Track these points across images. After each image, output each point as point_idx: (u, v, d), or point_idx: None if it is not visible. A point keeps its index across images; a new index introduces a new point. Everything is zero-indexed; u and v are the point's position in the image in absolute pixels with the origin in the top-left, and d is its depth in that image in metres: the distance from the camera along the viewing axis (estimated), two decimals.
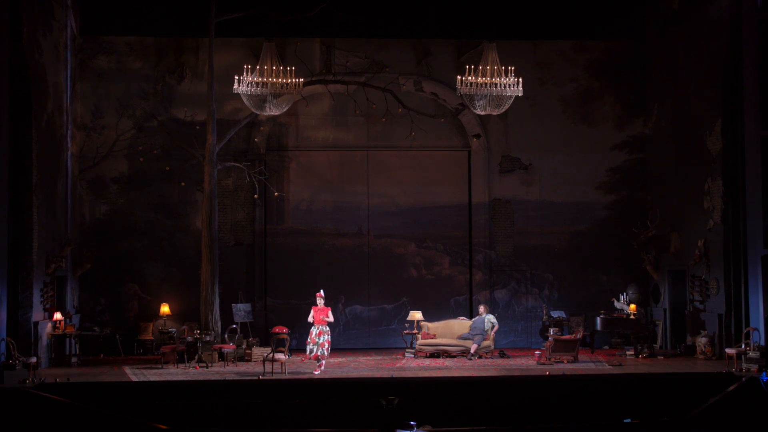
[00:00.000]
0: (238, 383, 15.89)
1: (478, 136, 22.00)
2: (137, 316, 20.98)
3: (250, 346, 19.09)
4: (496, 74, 17.45)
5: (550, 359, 18.14)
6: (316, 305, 17.02)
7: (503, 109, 17.97)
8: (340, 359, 19.01)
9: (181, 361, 18.16)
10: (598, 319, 20.01)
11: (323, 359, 16.83)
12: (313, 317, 16.88)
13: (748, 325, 17.43)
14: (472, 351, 18.95)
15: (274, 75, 17.84)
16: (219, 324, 19.43)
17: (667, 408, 14.37)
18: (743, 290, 17.86)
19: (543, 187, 22.03)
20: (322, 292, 17.26)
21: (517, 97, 17.76)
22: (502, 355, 19.34)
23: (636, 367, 17.40)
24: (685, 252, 19.90)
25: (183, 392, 15.19)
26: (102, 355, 19.59)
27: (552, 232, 22.08)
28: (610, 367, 17.59)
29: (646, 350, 19.12)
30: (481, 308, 19.74)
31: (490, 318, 19.52)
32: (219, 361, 18.36)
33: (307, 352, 16.87)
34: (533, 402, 14.83)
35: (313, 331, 16.80)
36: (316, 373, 16.57)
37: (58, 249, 19.05)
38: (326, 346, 16.78)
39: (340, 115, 21.96)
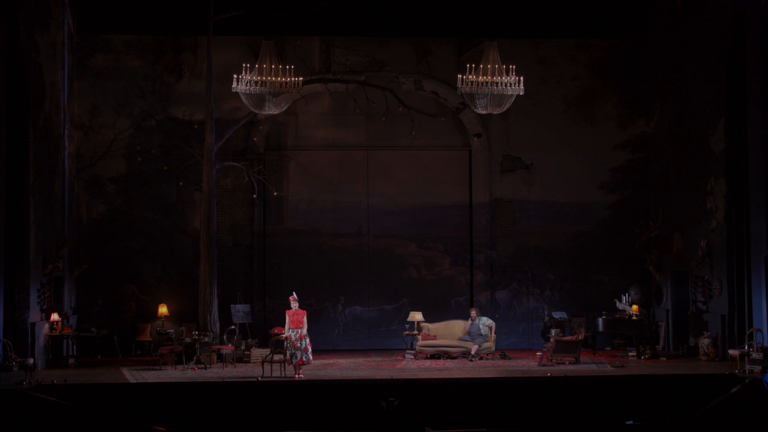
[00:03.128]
0: (237, 385, 15.76)
1: (479, 135, 21.87)
2: (135, 317, 20.85)
3: (248, 348, 18.97)
4: (497, 73, 17.35)
5: (551, 360, 18.04)
6: (290, 309, 16.64)
7: (504, 108, 17.87)
8: (339, 360, 18.91)
9: (179, 362, 18.05)
10: (600, 320, 19.92)
11: (309, 363, 16.64)
12: (290, 322, 16.53)
13: (751, 326, 17.31)
14: (473, 352, 18.82)
15: (273, 74, 17.74)
16: (217, 325, 19.31)
17: (670, 409, 14.30)
18: (746, 291, 17.77)
19: (544, 186, 21.91)
20: (294, 294, 16.96)
21: (518, 96, 17.67)
22: (504, 357, 19.21)
23: (638, 369, 17.30)
24: (688, 252, 19.78)
25: (181, 394, 15.09)
26: (99, 357, 19.50)
27: (553, 233, 21.95)
28: (612, 368, 17.48)
29: (648, 351, 19.01)
30: (473, 312, 19.53)
31: (485, 321, 19.36)
32: (217, 362, 18.25)
33: (288, 357, 16.43)
34: (535, 403, 14.74)
35: (291, 335, 16.40)
36: (298, 377, 16.19)
37: (55, 249, 18.93)
38: (309, 350, 16.58)
39: (340, 114, 21.83)
